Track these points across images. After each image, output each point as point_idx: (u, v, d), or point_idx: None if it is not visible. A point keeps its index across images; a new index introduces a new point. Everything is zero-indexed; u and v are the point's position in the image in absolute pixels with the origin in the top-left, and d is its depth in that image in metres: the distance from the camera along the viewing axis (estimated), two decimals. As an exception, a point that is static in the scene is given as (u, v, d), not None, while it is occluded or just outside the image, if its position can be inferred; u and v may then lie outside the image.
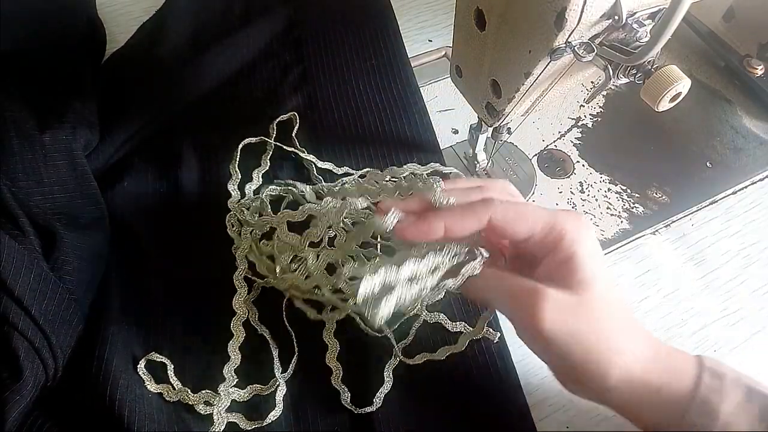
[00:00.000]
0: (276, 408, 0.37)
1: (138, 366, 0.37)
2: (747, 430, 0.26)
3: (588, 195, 0.50)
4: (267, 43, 0.56)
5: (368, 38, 0.56)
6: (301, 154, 0.48)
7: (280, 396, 0.37)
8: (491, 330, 0.39)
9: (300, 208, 0.42)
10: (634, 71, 0.33)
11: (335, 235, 0.42)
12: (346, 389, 0.38)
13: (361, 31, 0.57)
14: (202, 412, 0.37)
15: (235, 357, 0.39)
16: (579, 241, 0.29)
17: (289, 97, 0.52)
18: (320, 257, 0.39)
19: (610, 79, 0.33)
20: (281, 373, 0.38)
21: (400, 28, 0.58)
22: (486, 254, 0.32)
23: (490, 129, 0.45)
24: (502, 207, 0.30)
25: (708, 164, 0.52)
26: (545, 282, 0.29)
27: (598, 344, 0.28)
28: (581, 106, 0.56)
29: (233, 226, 0.44)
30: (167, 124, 0.51)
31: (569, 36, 0.31)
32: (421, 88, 0.55)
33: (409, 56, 0.57)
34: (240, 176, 0.48)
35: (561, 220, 0.30)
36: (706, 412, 0.26)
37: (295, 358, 0.39)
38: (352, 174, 0.47)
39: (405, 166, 0.47)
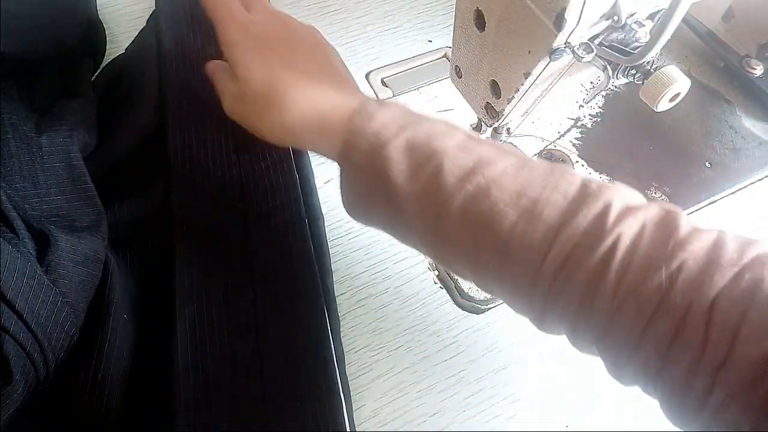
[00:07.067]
0: None
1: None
2: (397, 140, 0.31)
3: (587, 195, 0.50)
4: None
5: None
6: None
7: None
8: None
9: None
10: (633, 71, 0.33)
11: None
12: None
13: None
14: None
15: None
16: (228, 48, 0.36)
17: None
18: None
19: (610, 80, 0.33)
20: None
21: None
22: None
23: (490, 129, 0.45)
24: None
25: (707, 164, 0.52)
26: None
27: (258, 125, 0.37)
28: (580, 106, 0.56)
29: None
30: (164, 129, 0.50)
31: (569, 36, 0.31)
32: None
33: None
34: None
35: (220, 32, 0.37)
36: (356, 128, 0.32)
37: None
38: None
39: None
